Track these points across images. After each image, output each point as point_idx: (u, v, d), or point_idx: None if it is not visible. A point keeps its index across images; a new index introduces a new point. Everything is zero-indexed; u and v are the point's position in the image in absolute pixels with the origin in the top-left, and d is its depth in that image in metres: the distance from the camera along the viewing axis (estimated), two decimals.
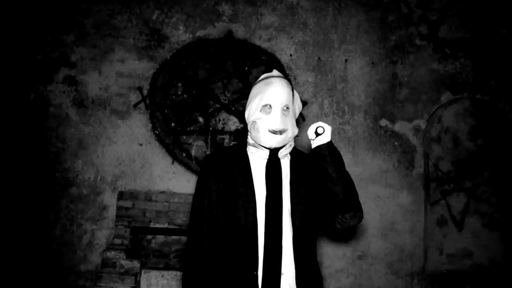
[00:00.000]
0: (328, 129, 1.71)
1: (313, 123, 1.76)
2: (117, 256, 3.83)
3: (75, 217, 4.19)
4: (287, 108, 1.75)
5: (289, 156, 1.84)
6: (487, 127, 4.64)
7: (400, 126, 4.57)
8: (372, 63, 4.62)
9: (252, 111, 1.78)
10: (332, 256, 4.39)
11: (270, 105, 1.73)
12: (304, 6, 4.62)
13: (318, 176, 1.74)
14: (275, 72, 1.86)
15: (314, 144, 1.73)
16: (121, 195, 4.17)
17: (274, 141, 1.73)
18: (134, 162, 4.30)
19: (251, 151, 1.82)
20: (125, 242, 4.04)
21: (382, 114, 4.57)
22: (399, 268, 4.40)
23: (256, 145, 1.79)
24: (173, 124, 4.40)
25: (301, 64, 4.57)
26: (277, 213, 1.69)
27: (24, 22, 4.27)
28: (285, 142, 1.76)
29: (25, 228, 4.10)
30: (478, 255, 4.51)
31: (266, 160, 1.78)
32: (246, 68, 4.51)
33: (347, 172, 1.72)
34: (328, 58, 4.59)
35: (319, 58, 4.58)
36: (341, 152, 1.82)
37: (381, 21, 4.66)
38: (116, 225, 4.11)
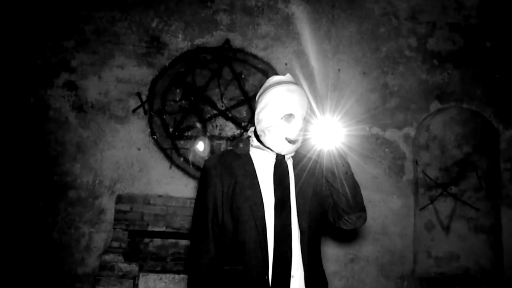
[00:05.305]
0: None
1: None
2: (115, 259, 3.87)
3: (73, 220, 4.22)
4: (304, 118, 1.75)
5: (291, 159, 1.85)
6: (473, 135, 4.85)
7: (390, 134, 4.74)
8: (364, 73, 4.79)
9: (270, 116, 1.74)
10: (325, 259, 4.49)
11: (294, 115, 1.72)
12: (299, 17, 4.77)
13: (322, 178, 1.76)
14: (289, 77, 1.87)
15: (320, 147, 1.70)
16: (119, 199, 4.22)
17: (285, 149, 1.75)
18: (132, 167, 4.36)
19: (255, 154, 1.81)
20: (123, 245, 4.08)
21: (373, 122, 4.74)
22: (390, 271, 4.54)
23: (262, 147, 1.79)
24: (171, 130, 4.48)
25: (296, 72, 4.70)
26: (286, 215, 1.69)
27: (25, 27, 4.32)
28: (293, 150, 1.79)
29: (23, 231, 4.11)
30: (464, 258, 4.68)
31: (272, 163, 1.78)
32: (243, 76, 4.63)
33: (352, 173, 1.71)
34: (321, 67, 4.75)
35: (313, 67, 4.73)
36: None
37: (372, 32, 4.85)
38: (114, 228, 4.15)
